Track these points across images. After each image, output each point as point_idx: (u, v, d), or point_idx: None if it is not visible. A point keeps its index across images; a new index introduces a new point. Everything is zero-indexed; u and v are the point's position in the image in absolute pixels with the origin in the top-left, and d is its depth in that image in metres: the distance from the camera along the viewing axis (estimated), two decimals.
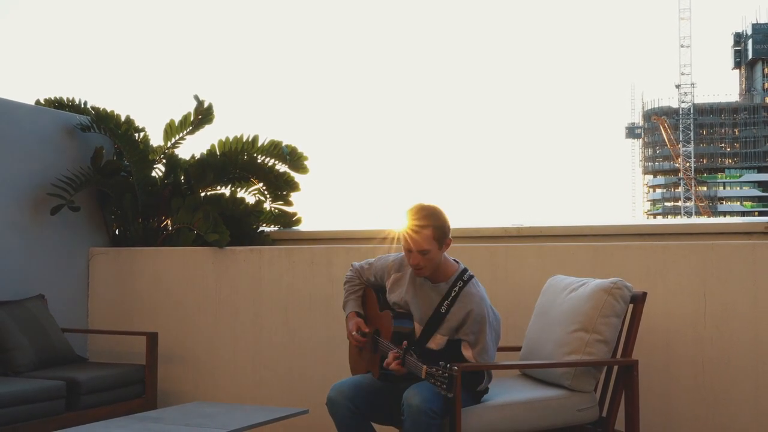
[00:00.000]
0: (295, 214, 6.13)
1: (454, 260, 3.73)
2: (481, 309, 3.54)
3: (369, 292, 3.96)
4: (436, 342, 3.57)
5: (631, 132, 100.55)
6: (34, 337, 5.03)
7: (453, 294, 3.57)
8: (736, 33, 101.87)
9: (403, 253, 3.78)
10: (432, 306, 3.61)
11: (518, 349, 4.11)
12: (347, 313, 3.93)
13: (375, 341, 3.76)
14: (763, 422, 4.13)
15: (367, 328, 3.81)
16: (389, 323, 3.68)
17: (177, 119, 6.17)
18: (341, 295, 4.05)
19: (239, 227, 5.84)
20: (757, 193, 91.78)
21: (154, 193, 5.96)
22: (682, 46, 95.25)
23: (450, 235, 3.60)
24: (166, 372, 5.47)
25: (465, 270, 3.67)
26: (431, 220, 3.53)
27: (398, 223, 3.72)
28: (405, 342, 3.47)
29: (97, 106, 6.04)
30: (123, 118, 5.97)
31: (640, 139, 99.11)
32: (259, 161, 6.06)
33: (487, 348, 3.54)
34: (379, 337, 3.75)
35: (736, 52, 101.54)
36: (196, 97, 6.15)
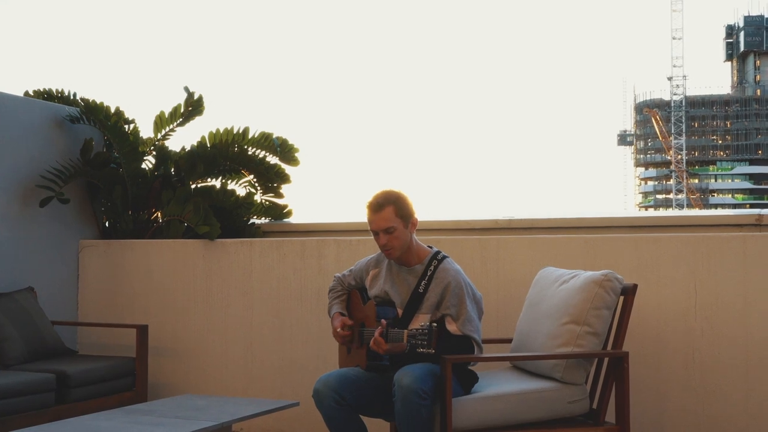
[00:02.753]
0: (285, 206, 6.12)
1: (428, 246, 3.79)
2: (458, 281, 3.61)
3: (353, 295, 3.99)
4: (419, 322, 3.60)
5: (623, 139, 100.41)
6: (23, 330, 5.01)
7: (429, 273, 3.65)
8: (728, 25, 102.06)
9: (379, 253, 3.84)
10: (410, 288, 3.68)
11: (509, 341, 4.11)
12: (331, 315, 3.95)
13: (361, 334, 3.77)
14: (753, 413, 4.14)
15: (351, 322, 3.83)
16: (373, 312, 3.72)
17: (167, 111, 6.15)
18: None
19: (230, 219, 5.83)
20: (748, 185, 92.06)
21: (144, 185, 5.94)
22: (674, 39, 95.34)
23: (415, 215, 3.69)
24: (156, 364, 5.46)
25: (438, 251, 3.75)
26: (390, 199, 3.66)
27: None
28: (383, 321, 3.50)
29: (86, 97, 6.00)
30: (113, 110, 5.93)
31: (632, 146, 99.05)
32: (249, 153, 6.04)
33: (471, 318, 3.59)
34: (364, 328, 3.77)
35: (728, 44, 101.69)
36: (187, 89, 6.13)
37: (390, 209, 3.62)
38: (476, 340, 3.60)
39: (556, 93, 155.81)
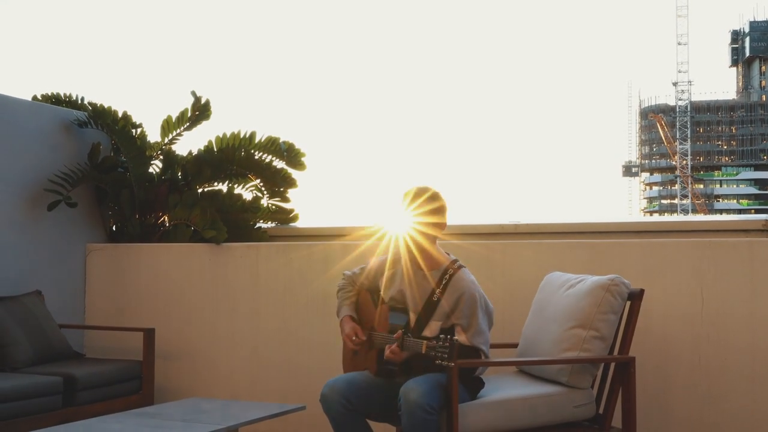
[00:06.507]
0: (292, 211, 6.14)
1: (446, 253, 3.81)
2: (472, 292, 3.63)
3: (363, 296, 3.98)
4: (431, 329, 3.62)
5: (628, 171, 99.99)
6: (31, 333, 5.03)
7: (444, 281, 3.67)
8: (733, 30, 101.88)
9: (394, 254, 3.86)
10: (425, 294, 3.69)
11: (515, 345, 4.11)
12: (341, 317, 3.94)
13: (371, 337, 3.77)
14: (759, 419, 4.14)
15: (363, 335, 3.81)
16: (385, 317, 3.72)
17: (174, 115, 6.17)
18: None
19: (236, 223, 5.84)
20: (753, 190, 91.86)
21: (151, 189, 5.96)
22: (679, 44, 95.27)
23: (446, 220, 3.75)
24: (163, 368, 5.47)
25: (456, 260, 3.78)
26: (433, 192, 3.73)
27: (395, 218, 3.81)
28: (400, 332, 3.53)
29: (94, 101, 6.04)
30: (120, 114, 5.96)
31: (638, 177, 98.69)
32: (256, 157, 6.06)
33: (481, 331, 3.61)
34: (374, 332, 3.76)
35: (733, 49, 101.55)
36: (194, 93, 6.15)
37: (430, 191, 3.72)
38: (484, 353, 3.62)
39: (563, 97, 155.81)
